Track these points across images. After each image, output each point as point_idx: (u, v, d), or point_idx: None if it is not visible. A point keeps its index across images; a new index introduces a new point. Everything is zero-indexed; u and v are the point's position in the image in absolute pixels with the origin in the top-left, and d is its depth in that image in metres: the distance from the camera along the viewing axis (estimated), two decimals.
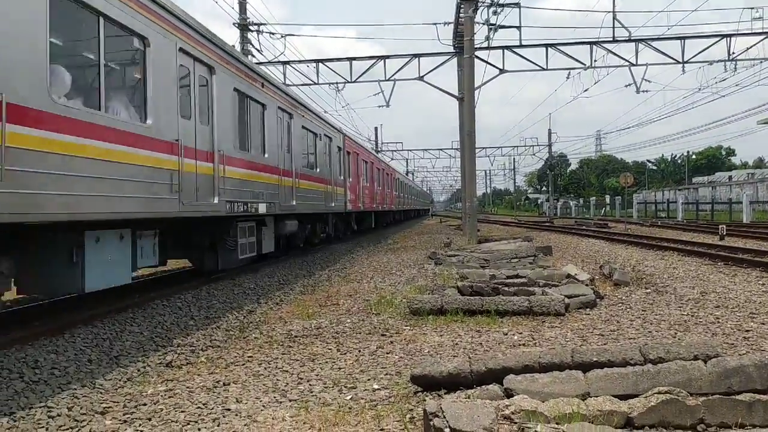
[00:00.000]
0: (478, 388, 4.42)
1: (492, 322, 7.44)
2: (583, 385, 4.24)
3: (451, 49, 26.75)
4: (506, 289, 8.76)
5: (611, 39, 25.00)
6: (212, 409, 4.57)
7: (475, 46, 22.27)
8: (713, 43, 25.44)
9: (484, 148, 66.58)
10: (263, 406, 4.62)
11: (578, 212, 67.64)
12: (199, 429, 4.16)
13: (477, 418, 3.55)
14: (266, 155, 12.26)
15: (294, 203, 13.94)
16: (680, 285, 10.38)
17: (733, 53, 25.57)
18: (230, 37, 67.82)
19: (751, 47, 25.50)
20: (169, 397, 4.92)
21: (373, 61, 26.82)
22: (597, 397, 4.02)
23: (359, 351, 6.30)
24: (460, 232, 28.51)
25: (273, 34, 26.02)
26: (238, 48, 22.70)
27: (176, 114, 8.38)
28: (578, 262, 14.01)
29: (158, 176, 7.74)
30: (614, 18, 24.62)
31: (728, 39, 25.16)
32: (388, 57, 26.76)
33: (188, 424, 4.27)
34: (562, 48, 25.69)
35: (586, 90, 30.44)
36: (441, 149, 68.69)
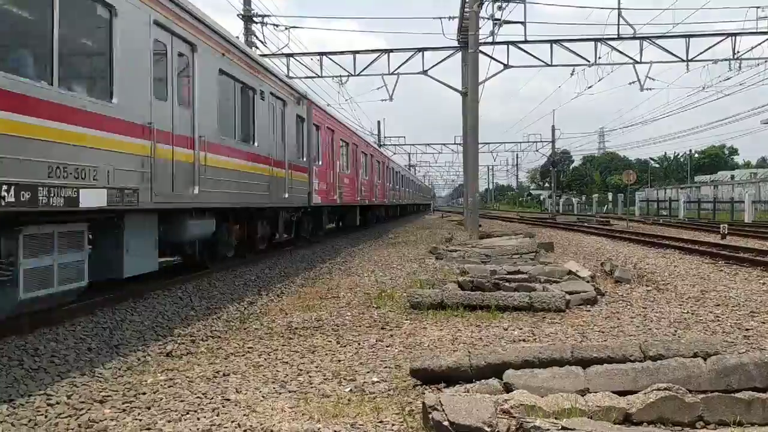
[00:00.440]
0: (478, 382, 4.42)
1: (492, 318, 7.44)
2: (583, 381, 4.24)
3: (456, 44, 26.68)
4: (507, 284, 8.76)
5: (616, 36, 24.93)
6: (212, 398, 4.57)
7: (480, 41, 22.22)
8: (718, 42, 25.35)
9: (487, 143, 66.49)
10: (263, 396, 4.63)
11: (580, 209, 67.57)
12: (198, 418, 4.16)
13: (476, 412, 3.56)
14: (115, 100, 7.02)
15: (196, 191, 8.98)
16: (681, 283, 10.37)
17: (738, 52, 25.50)
18: (235, 28, 67.58)
19: (756, 46, 25.39)
20: (169, 386, 4.93)
21: (377, 54, 26.76)
22: (596, 393, 4.03)
23: (359, 344, 6.31)
24: (462, 228, 28.50)
25: (277, 26, 25.90)
26: (242, 39, 22.63)
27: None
28: (580, 259, 14.01)
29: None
30: (619, 15, 24.55)
31: (733, 38, 25.05)
32: (391, 51, 26.72)
33: (187, 413, 4.27)
34: (566, 44, 25.61)
35: (590, 87, 30.34)
36: (444, 144, 68.66)
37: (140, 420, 4.15)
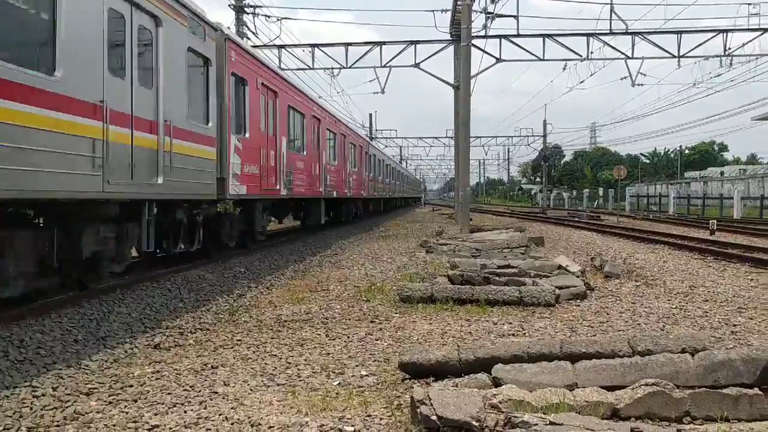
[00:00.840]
0: (467, 376, 4.42)
1: (482, 312, 7.44)
2: (571, 376, 4.25)
3: (448, 37, 26.66)
4: (497, 278, 8.76)
5: (608, 31, 24.98)
6: (199, 391, 4.55)
7: (472, 35, 22.18)
8: (710, 38, 25.47)
9: (478, 137, 66.47)
10: (251, 389, 4.61)
11: (571, 204, 67.79)
12: (185, 411, 4.14)
13: (464, 407, 3.55)
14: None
15: None
16: (670, 278, 10.42)
17: (730, 49, 25.60)
18: (226, 19, 67.00)
19: (747, 43, 25.52)
20: (156, 379, 4.90)
21: (369, 47, 26.68)
22: (584, 387, 4.03)
23: (348, 337, 6.29)
24: (453, 222, 28.53)
25: (269, 17, 25.76)
26: (233, 30, 22.45)
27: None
28: (570, 254, 14.04)
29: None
30: (611, 10, 24.60)
31: (725, 34, 25.18)
32: (384, 43, 26.65)
33: (174, 406, 4.24)
34: (559, 39, 25.67)
35: (582, 81, 30.32)
36: (435, 137, 68.52)
37: (126, 413, 4.12)
